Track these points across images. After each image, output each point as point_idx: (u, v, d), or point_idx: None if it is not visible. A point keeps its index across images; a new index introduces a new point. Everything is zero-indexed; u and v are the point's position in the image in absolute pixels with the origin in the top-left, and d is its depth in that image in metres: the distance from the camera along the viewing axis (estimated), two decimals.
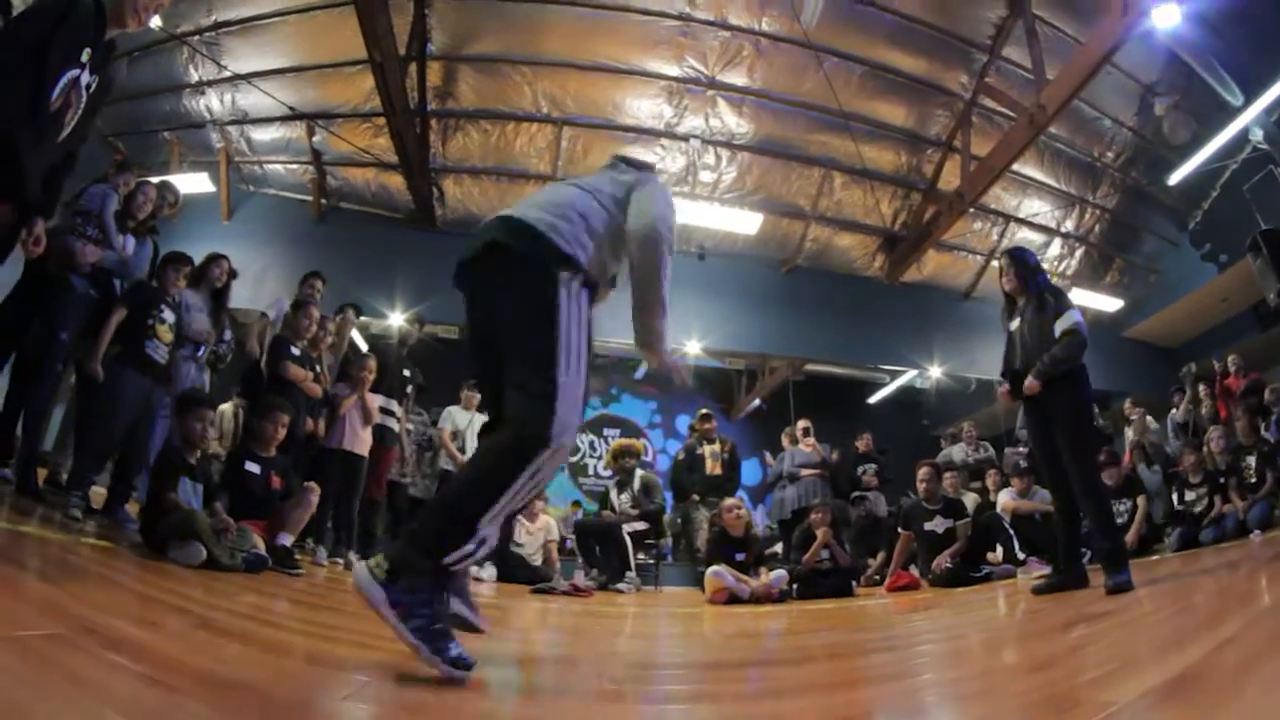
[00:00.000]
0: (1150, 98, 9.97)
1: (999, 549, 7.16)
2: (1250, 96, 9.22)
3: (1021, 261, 4.72)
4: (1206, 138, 9.89)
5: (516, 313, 2.03)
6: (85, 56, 2.72)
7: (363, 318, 9.16)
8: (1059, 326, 4.33)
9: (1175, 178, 10.68)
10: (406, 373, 7.15)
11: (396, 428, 6.93)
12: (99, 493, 4.90)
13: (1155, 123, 10.24)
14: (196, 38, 8.90)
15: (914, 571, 7.19)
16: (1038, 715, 1.49)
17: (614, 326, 9.62)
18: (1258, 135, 9.89)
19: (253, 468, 4.64)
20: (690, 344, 11.49)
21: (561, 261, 2.06)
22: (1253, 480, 6.87)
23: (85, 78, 2.75)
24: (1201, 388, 9.43)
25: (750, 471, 13.38)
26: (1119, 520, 6.67)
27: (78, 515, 4.13)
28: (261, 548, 4.20)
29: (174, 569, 3.42)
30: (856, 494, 9.07)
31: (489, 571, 7.13)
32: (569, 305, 2.03)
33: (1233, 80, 9.22)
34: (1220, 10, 8.27)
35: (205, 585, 3.11)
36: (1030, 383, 4.37)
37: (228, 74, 9.15)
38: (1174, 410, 9.66)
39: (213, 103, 9.72)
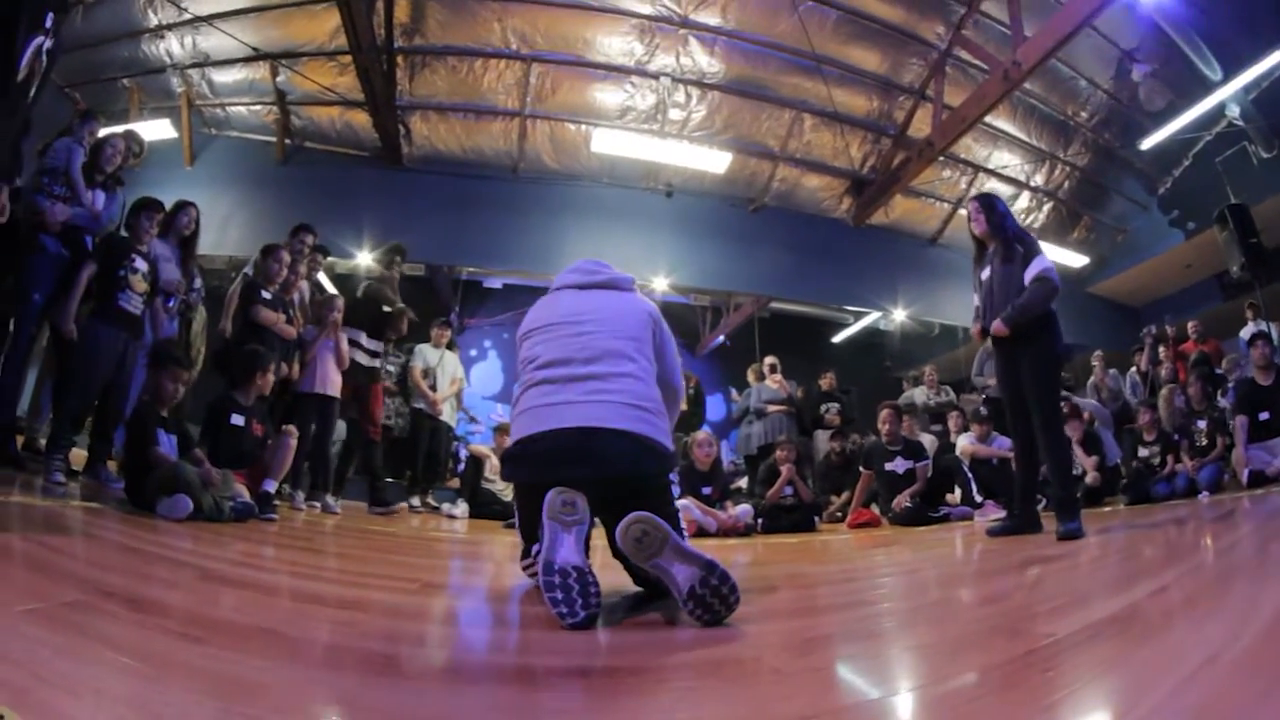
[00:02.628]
0: (1128, 63, 9.98)
1: (957, 491, 7.42)
2: (1229, 72, 9.32)
3: (990, 207, 4.70)
4: (1182, 108, 9.98)
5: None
6: (50, 22, 2.66)
7: (330, 258, 9.09)
8: (1028, 273, 4.37)
9: (1148, 143, 10.78)
10: (389, 310, 7.01)
11: (371, 364, 6.83)
12: (78, 454, 4.87)
13: (1131, 88, 10.30)
14: None
15: (875, 510, 7.42)
16: (984, 641, 1.63)
17: (574, 262, 9.51)
18: (1234, 111, 10.04)
19: (237, 419, 4.66)
20: (657, 280, 11.54)
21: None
22: (1203, 443, 7.09)
23: (48, 43, 2.70)
24: (1161, 349, 9.70)
25: (715, 407, 13.56)
26: (1076, 471, 6.92)
27: (61, 480, 4.12)
28: (246, 495, 4.25)
29: (163, 524, 3.46)
30: (836, 429, 9.20)
31: (461, 508, 7.23)
32: None
33: (1213, 55, 9.31)
34: None
35: (195, 537, 3.16)
36: (997, 325, 4.41)
37: (188, 16, 8.78)
38: (1133, 368, 9.94)
39: (173, 46, 9.36)
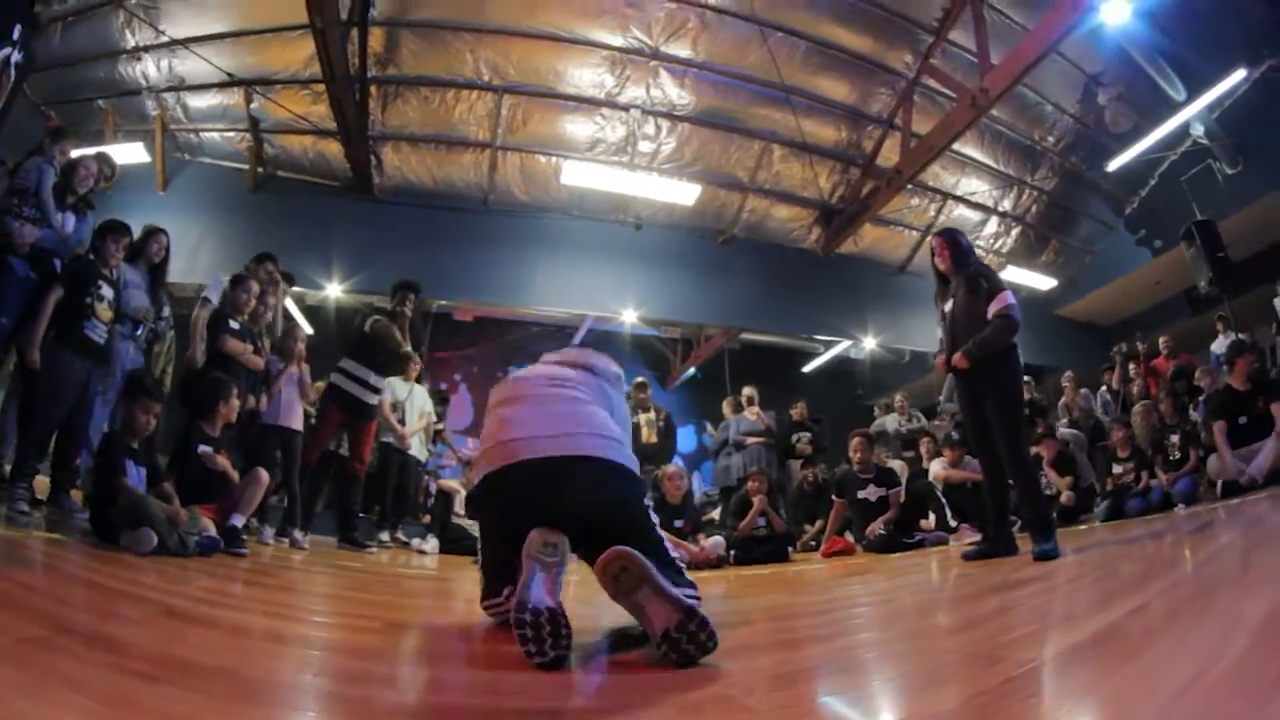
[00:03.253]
0: (1094, 87, 10.25)
1: (931, 516, 7.44)
2: (1193, 93, 9.59)
3: (954, 243, 4.83)
4: (1147, 129, 10.23)
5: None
6: (16, 34, 2.65)
7: (297, 288, 9.02)
8: (991, 309, 4.46)
9: (1114, 164, 11.02)
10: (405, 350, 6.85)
11: (374, 401, 6.70)
12: (43, 482, 4.78)
13: (1097, 111, 10.52)
14: (134, 1, 8.53)
15: (849, 537, 7.43)
16: (964, 670, 1.61)
17: (551, 295, 9.62)
18: (1198, 130, 10.29)
19: (204, 450, 4.59)
20: (626, 313, 11.58)
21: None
22: (1176, 457, 7.17)
23: (15, 56, 2.68)
24: (1132, 366, 9.84)
25: (685, 439, 13.55)
26: (1048, 492, 6.98)
27: (25, 509, 4.05)
28: (212, 530, 4.17)
29: (127, 557, 3.39)
30: (808, 458, 9.20)
31: (431, 544, 7.15)
32: None
33: (1176, 76, 9.57)
34: (1168, 9, 8.51)
35: (160, 572, 3.10)
36: (958, 358, 4.52)
37: (165, 39, 8.78)
38: (1103, 386, 10.07)
39: (149, 69, 9.33)
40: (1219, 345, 8.98)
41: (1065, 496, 7.39)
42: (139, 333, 5.29)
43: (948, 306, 4.77)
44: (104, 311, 4.74)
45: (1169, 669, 1.31)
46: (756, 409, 9.44)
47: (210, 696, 1.33)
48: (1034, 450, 6.99)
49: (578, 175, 10.40)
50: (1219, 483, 6.54)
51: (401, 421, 7.71)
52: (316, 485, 6.81)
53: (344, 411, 6.37)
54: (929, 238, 11.77)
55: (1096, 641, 1.67)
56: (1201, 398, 7.86)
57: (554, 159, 10.53)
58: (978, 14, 8.62)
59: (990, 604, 2.78)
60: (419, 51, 9.32)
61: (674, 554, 2.14)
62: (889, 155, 10.78)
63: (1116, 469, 7.65)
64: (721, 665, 1.72)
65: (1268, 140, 9.64)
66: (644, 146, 10.54)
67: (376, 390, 6.64)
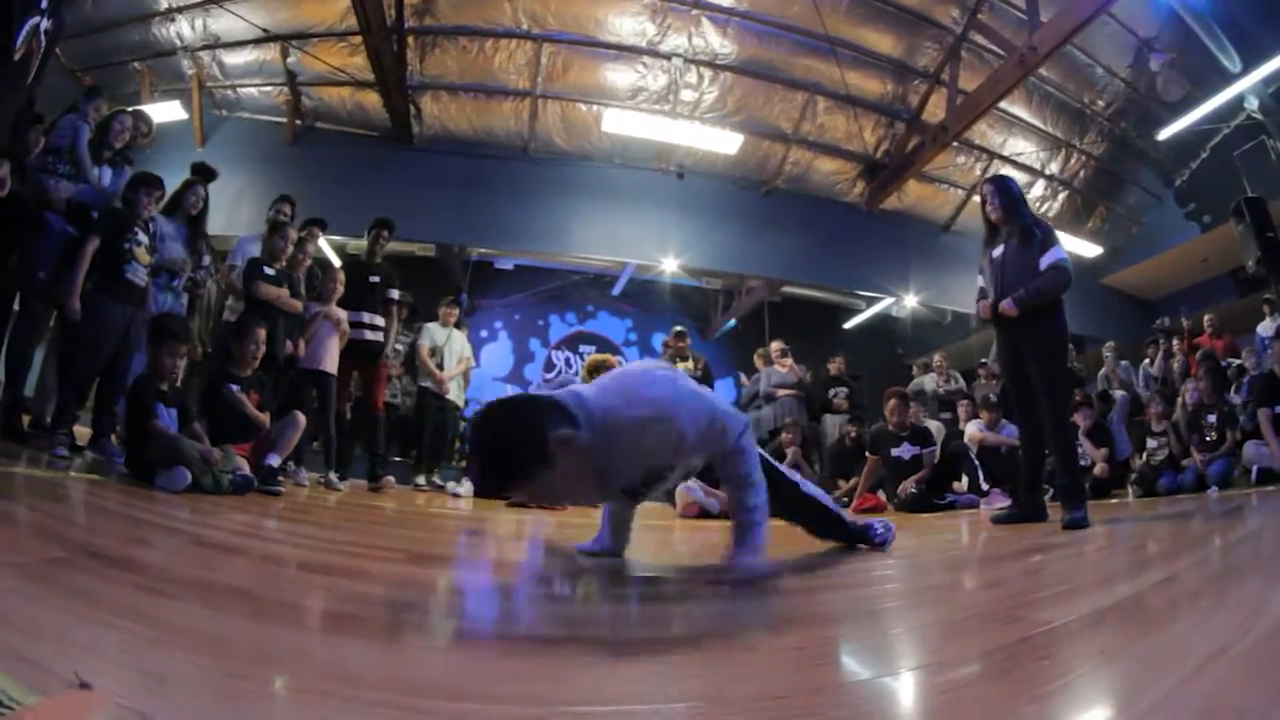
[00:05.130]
0: (1146, 52, 9.90)
1: (964, 478, 7.38)
2: (1249, 64, 9.23)
3: (1005, 190, 4.62)
4: (1200, 99, 9.89)
5: None
6: (45, 2, 2.66)
7: (340, 236, 9.09)
8: (1044, 260, 4.29)
9: (1165, 134, 10.70)
10: (375, 279, 6.77)
11: (375, 338, 6.65)
12: (83, 432, 4.90)
13: (1149, 77, 10.20)
14: None
15: (881, 496, 7.39)
16: (981, 626, 1.59)
17: (592, 242, 9.62)
18: (1253, 104, 9.93)
19: (232, 388, 4.66)
20: (668, 261, 11.56)
21: None
22: (1212, 438, 7.01)
23: (45, 24, 2.70)
24: (1175, 342, 9.60)
25: (723, 390, 13.54)
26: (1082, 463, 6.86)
27: (65, 454, 4.16)
28: (246, 469, 4.25)
29: (162, 495, 3.48)
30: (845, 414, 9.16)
31: (466, 487, 7.22)
32: None
33: (1232, 46, 9.19)
34: None
35: (193, 508, 3.18)
36: (1007, 305, 4.35)
37: None
38: (1146, 360, 9.85)
39: (183, 29, 9.43)
40: (1265, 328, 8.71)
41: (1100, 468, 7.27)
42: (176, 284, 5.35)
43: (996, 252, 4.60)
44: (143, 255, 4.82)
45: (1187, 646, 1.27)
46: (789, 361, 9.35)
47: (218, 611, 1.37)
48: None
49: (619, 123, 10.36)
50: (1254, 468, 6.37)
51: (440, 367, 7.77)
52: (353, 430, 6.90)
53: (350, 357, 6.39)
54: (979, 189, 11.67)
55: (1116, 611, 1.64)
56: (1245, 379, 7.66)
57: (595, 107, 10.47)
58: None
59: (1015, 567, 2.77)
60: (456, 1, 9.27)
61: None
62: (934, 111, 10.54)
63: (1150, 444, 7.54)
64: (741, 605, 1.73)
65: None
66: (686, 95, 10.43)
67: (375, 328, 6.64)
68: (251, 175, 9.89)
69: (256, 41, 9.47)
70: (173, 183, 5.47)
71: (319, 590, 1.78)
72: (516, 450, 1.80)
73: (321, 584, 1.87)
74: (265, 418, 4.79)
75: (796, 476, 2.63)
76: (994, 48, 9.35)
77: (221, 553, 2.20)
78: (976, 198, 11.32)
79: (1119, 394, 8.66)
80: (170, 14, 9.22)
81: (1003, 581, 2.43)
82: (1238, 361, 8.39)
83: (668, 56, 9.99)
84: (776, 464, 2.49)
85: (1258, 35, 8.91)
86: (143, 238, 4.84)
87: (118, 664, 0.98)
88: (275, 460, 4.62)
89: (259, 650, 1.14)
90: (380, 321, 6.69)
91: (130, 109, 5.82)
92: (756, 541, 2.08)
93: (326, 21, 9.21)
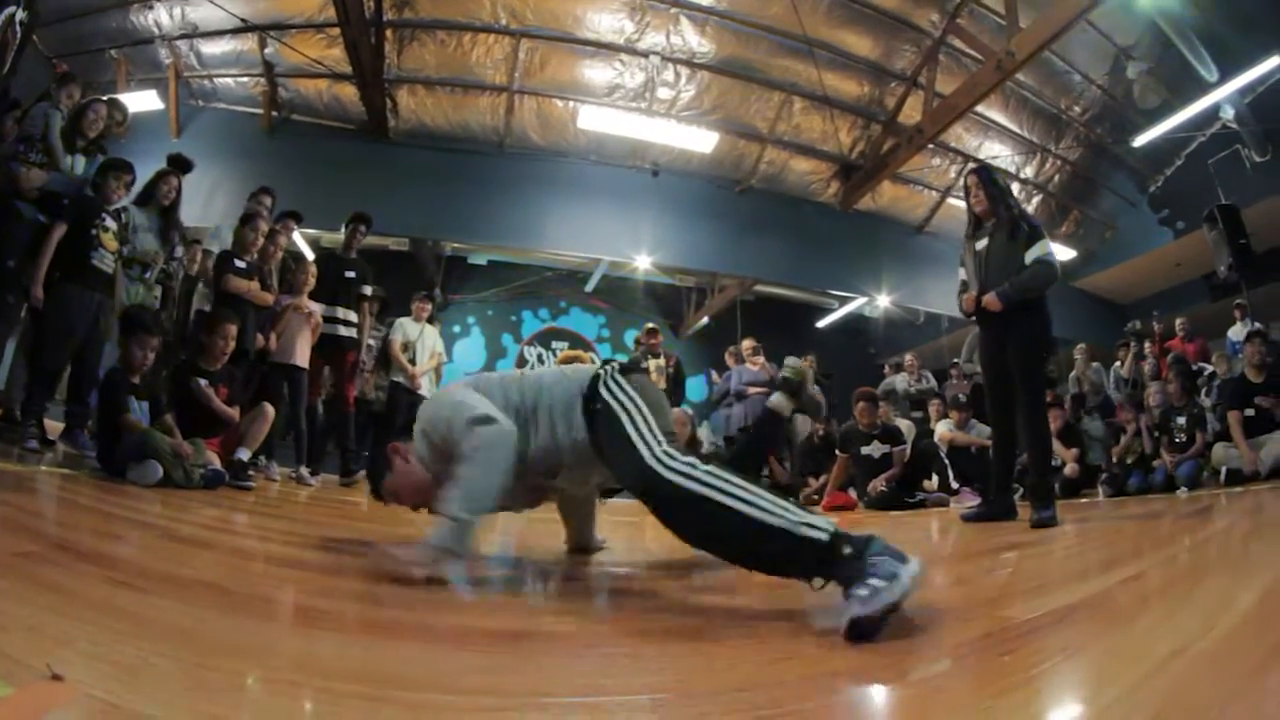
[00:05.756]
0: (1124, 60, 10.00)
1: (934, 477, 7.46)
2: (1225, 75, 9.32)
3: (989, 180, 4.60)
4: (1176, 107, 10.00)
5: None
6: None
7: (314, 230, 9.04)
8: (1030, 254, 4.27)
9: (1140, 140, 10.79)
10: (351, 274, 6.74)
11: (348, 333, 6.63)
12: (55, 426, 4.86)
13: (1126, 85, 10.31)
14: None
15: (851, 494, 7.45)
16: (943, 622, 1.61)
17: (566, 239, 9.59)
18: (1228, 113, 10.04)
19: (200, 382, 4.63)
20: (641, 258, 11.59)
21: None
22: (1182, 439, 7.11)
23: (20, 13, 2.68)
24: (1147, 345, 9.74)
25: (695, 388, 13.59)
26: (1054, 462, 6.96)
27: (35, 446, 4.13)
28: (217, 463, 4.24)
29: (132, 489, 3.48)
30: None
31: None
32: None
33: (1209, 56, 9.31)
34: None
35: (164, 502, 3.18)
36: (991, 298, 4.32)
37: None
38: (1117, 363, 9.99)
39: (161, 17, 9.30)
40: (1236, 332, 8.86)
41: (1070, 469, 7.38)
42: (148, 275, 5.31)
43: (980, 245, 4.55)
44: (110, 241, 4.77)
45: (1149, 643, 1.31)
46: (761, 359, 9.38)
47: (191, 605, 1.39)
48: None
49: (595, 120, 10.36)
50: (1223, 469, 6.49)
51: (412, 361, 7.75)
52: (324, 425, 6.87)
53: (322, 351, 6.34)
54: (951, 197, 11.83)
55: (1080, 608, 1.68)
56: (1216, 383, 7.79)
57: (571, 104, 10.45)
58: None
59: (982, 564, 2.82)
60: None
61: None
62: (911, 113, 10.60)
63: (1118, 449, 7.65)
64: (705, 599, 1.76)
65: None
66: (663, 93, 10.43)
67: (350, 324, 6.63)
68: (227, 166, 9.79)
69: (234, 31, 9.36)
70: (148, 173, 5.42)
71: (290, 584, 1.80)
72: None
73: (293, 578, 1.89)
74: (235, 412, 4.76)
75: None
76: (972, 52, 9.42)
77: (193, 547, 2.21)
78: (951, 199, 11.47)
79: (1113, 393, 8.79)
80: (149, 1, 9.12)
81: (969, 579, 2.47)
82: (1209, 369, 8.53)
83: (645, 54, 9.98)
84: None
85: (1234, 45, 9.02)
86: (110, 224, 4.80)
87: (88, 655, 1.00)
88: (245, 454, 4.60)
89: (230, 643, 1.17)
90: (354, 317, 6.67)
91: (105, 97, 5.76)
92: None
93: (305, 12, 9.13)
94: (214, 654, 1.08)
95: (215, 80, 10.26)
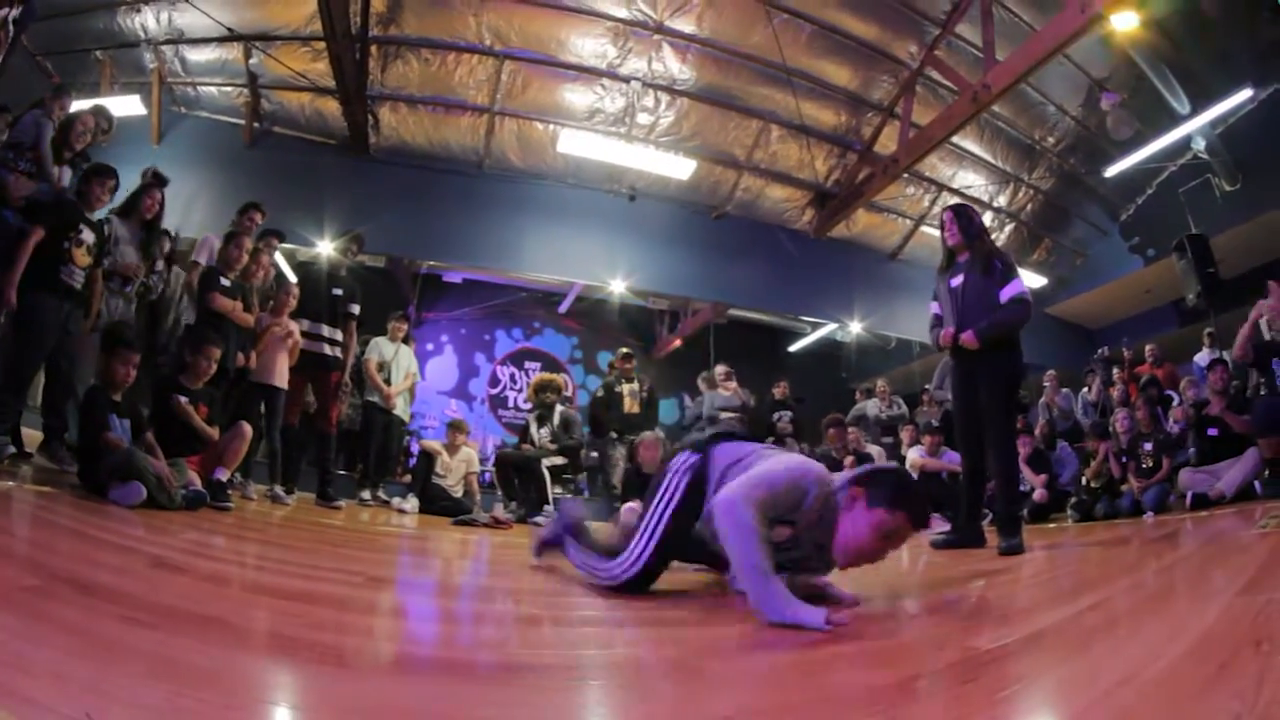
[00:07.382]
0: (1098, 92, 10.26)
1: None
2: (1197, 107, 9.61)
3: (965, 217, 4.68)
4: (1148, 138, 10.27)
5: None
6: None
7: (290, 245, 9.00)
8: (1005, 293, 4.36)
9: (1112, 170, 11.06)
10: (338, 291, 6.72)
11: (333, 353, 6.62)
12: (33, 435, 4.82)
13: (1099, 116, 10.56)
14: None
15: None
16: (908, 652, 1.70)
17: (542, 261, 9.60)
18: (1199, 145, 10.33)
19: (180, 398, 4.61)
20: (616, 282, 11.65)
21: None
22: (1148, 465, 7.21)
23: (13, 13, 2.69)
24: (1115, 371, 9.92)
25: (667, 411, 13.65)
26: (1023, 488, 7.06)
27: (12, 450, 4.10)
28: (198, 483, 4.23)
29: (115, 510, 3.47)
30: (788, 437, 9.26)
31: (411, 503, 7.20)
32: None
33: (1182, 89, 9.58)
34: (1178, 22, 8.56)
35: (147, 525, 3.17)
36: (968, 337, 4.39)
37: None
38: (1085, 389, 10.17)
39: (148, 21, 9.24)
40: (1203, 358, 9.09)
41: (1039, 494, 7.51)
42: (128, 289, 5.28)
43: (955, 282, 4.63)
44: (81, 257, 4.72)
45: (1102, 670, 1.35)
46: (733, 384, 9.44)
47: (199, 641, 1.41)
48: None
49: (574, 144, 10.41)
50: (1189, 494, 6.64)
51: (387, 381, 7.75)
52: (301, 443, 6.84)
53: (304, 370, 6.34)
54: (925, 225, 12.00)
55: (1041, 636, 1.74)
56: (1183, 410, 7.95)
57: (551, 127, 10.53)
58: (986, 10, 8.63)
59: (949, 592, 2.87)
60: (422, 13, 9.26)
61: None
62: (887, 143, 10.81)
63: (1088, 473, 7.77)
64: (680, 632, 1.79)
65: (1268, 161, 9.70)
66: (642, 119, 10.54)
67: (335, 342, 6.61)
68: (206, 176, 9.73)
69: (220, 40, 9.32)
70: (128, 178, 5.41)
71: (299, 620, 1.81)
72: None
73: (290, 611, 1.90)
74: (214, 431, 4.76)
75: None
76: (949, 84, 9.63)
77: (195, 579, 2.20)
78: (925, 228, 11.63)
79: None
80: (136, 4, 9.05)
81: (936, 608, 2.53)
82: (1177, 400, 8.70)
83: (626, 79, 10.09)
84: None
85: (1206, 78, 9.34)
86: (87, 236, 4.76)
87: (114, 700, 1.02)
88: (223, 475, 4.60)
89: (255, 684, 1.20)
90: (339, 336, 6.66)
91: (92, 105, 5.75)
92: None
93: (292, 24, 9.11)
94: (239, 695, 1.11)
95: (199, 88, 10.19)
